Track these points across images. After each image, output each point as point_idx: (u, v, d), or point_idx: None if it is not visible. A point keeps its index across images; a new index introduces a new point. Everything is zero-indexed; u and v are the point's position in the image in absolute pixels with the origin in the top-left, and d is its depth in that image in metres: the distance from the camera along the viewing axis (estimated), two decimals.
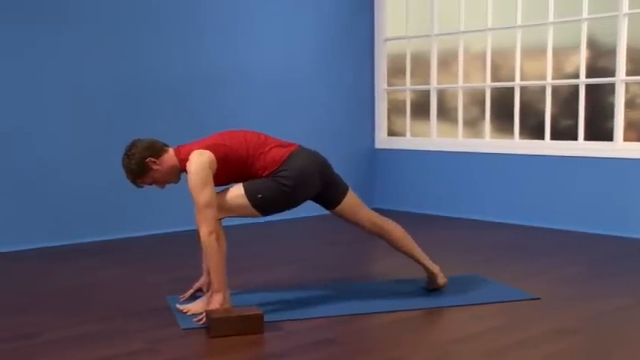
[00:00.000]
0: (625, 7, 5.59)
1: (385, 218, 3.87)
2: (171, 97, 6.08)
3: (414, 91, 7.19)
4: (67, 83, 5.56)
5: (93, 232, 5.74)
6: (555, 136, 6.13)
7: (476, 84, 6.62)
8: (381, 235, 3.86)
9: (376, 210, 7.35)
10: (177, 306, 3.70)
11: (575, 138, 6.01)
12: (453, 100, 6.93)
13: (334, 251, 5.25)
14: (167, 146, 3.64)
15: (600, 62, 5.84)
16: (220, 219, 3.61)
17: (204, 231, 3.45)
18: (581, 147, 5.89)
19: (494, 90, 6.52)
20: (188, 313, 3.63)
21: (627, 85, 5.66)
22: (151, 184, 3.63)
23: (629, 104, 5.68)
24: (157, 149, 3.59)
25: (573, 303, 3.78)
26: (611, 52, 5.75)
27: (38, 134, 5.44)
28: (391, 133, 7.44)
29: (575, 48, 5.96)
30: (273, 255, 5.16)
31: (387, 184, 7.38)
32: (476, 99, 6.73)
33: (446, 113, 6.99)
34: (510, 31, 6.37)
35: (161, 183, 3.64)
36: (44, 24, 5.41)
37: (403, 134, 7.33)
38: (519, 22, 6.25)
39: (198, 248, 5.41)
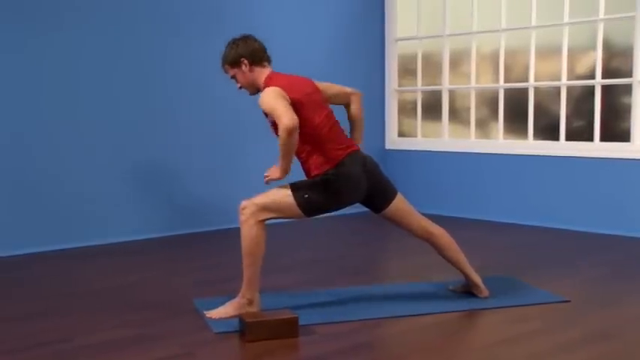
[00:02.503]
0: None
1: (434, 225, 3.85)
2: (175, 99, 6.04)
3: (423, 92, 7.17)
4: (66, 86, 5.51)
5: (112, 233, 5.69)
6: (567, 136, 6.12)
7: (489, 84, 6.61)
8: (428, 240, 3.85)
9: None
10: (206, 313, 3.64)
11: (586, 138, 6.00)
12: (461, 100, 6.92)
13: (361, 251, 5.21)
14: (269, 63, 3.70)
15: (613, 63, 5.84)
16: (264, 220, 3.55)
17: (283, 122, 3.34)
18: (598, 148, 5.88)
19: (504, 90, 6.51)
20: (216, 317, 3.59)
21: None
22: (231, 78, 3.74)
23: None
24: (256, 58, 3.66)
25: (605, 306, 3.76)
26: (623, 53, 5.75)
27: (49, 135, 5.39)
28: (400, 134, 7.42)
29: (586, 48, 5.96)
30: (300, 255, 5.12)
31: (397, 184, 7.35)
32: (485, 99, 6.72)
33: (454, 114, 6.98)
34: (522, 31, 6.35)
35: (239, 84, 3.73)
36: (42, 23, 5.35)
37: (411, 135, 7.31)
38: (534, 23, 6.24)
39: (220, 249, 5.37)
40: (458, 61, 6.90)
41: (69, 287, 4.31)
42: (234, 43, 3.67)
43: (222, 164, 6.31)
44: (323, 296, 3.99)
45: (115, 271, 4.71)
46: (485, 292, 3.89)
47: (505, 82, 6.51)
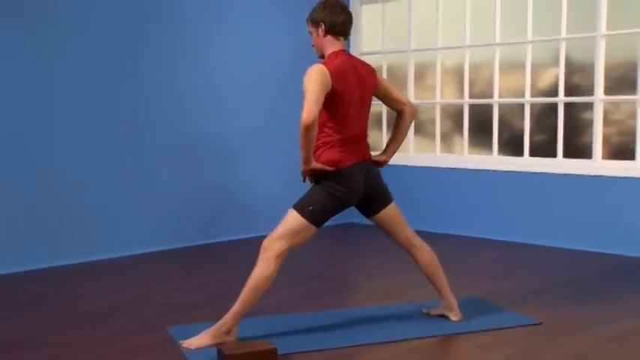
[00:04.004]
0: (603, 29, 5.72)
1: (419, 239, 3.95)
2: (177, 104, 5.99)
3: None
4: (65, 89, 5.43)
5: (115, 247, 5.61)
6: (529, 151, 6.24)
7: (454, 100, 6.69)
8: (410, 253, 3.95)
9: (353, 225, 7.37)
10: (181, 343, 3.62)
11: (548, 154, 6.13)
12: (424, 113, 6.99)
13: (336, 270, 5.22)
14: (344, 39, 3.74)
15: (573, 79, 5.97)
16: (286, 252, 3.61)
17: (302, 116, 3.42)
18: (561, 164, 6.01)
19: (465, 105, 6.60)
20: (193, 348, 3.57)
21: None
22: (308, 33, 3.89)
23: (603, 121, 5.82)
24: (333, 29, 3.68)
25: (577, 327, 3.83)
26: (583, 70, 5.88)
27: (48, 142, 5.30)
28: None
29: (548, 65, 6.08)
30: (280, 274, 5.09)
31: None
32: (448, 112, 6.80)
33: (418, 126, 7.04)
34: (486, 47, 6.45)
35: (313, 42, 3.78)
36: (42, 22, 5.27)
37: (376, 149, 7.36)
38: (498, 40, 6.34)
39: (217, 263, 5.34)
40: (422, 73, 6.97)
41: (67, 307, 4.26)
42: (324, 5, 3.70)
43: (225, 174, 6.27)
44: (302, 320, 3.99)
45: (104, 292, 4.64)
46: (458, 315, 3.95)
47: (469, 94, 6.60)
